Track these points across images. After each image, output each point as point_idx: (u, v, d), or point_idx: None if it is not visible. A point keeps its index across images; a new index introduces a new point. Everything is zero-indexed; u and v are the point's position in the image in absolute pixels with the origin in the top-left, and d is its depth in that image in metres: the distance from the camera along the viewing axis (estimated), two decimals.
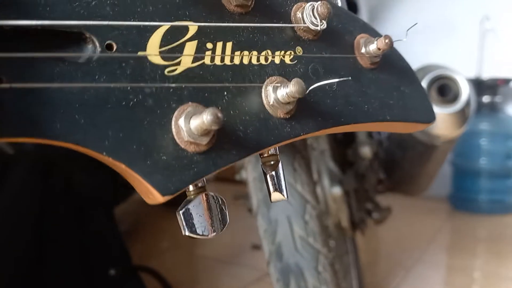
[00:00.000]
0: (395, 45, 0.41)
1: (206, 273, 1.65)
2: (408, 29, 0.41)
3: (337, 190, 1.26)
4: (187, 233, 0.33)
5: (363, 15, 1.63)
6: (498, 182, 2.30)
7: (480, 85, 2.29)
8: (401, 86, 0.42)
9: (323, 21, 0.37)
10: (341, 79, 0.37)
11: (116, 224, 1.44)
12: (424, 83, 1.06)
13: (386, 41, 0.39)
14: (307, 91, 0.34)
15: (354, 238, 1.39)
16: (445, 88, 1.09)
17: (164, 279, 1.45)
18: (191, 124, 0.30)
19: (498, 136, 2.30)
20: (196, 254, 1.81)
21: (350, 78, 0.38)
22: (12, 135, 0.26)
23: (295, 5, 0.38)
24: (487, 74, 2.36)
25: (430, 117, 0.44)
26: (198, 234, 0.33)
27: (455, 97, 1.08)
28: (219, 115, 0.29)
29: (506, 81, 2.31)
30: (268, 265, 1.12)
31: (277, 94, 0.35)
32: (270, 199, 0.38)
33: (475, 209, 2.30)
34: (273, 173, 0.38)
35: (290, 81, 0.35)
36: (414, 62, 0.46)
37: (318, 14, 0.36)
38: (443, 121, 1.09)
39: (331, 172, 1.28)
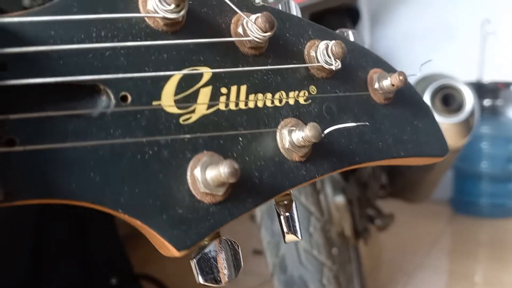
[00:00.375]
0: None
1: None
2: (422, 64, 0.41)
3: (340, 199, 1.26)
4: (201, 281, 0.32)
5: (365, 21, 1.62)
6: (499, 185, 2.30)
7: (481, 89, 2.29)
8: (415, 120, 0.42)
9: (337, 60, 0.36)
10: (359, 123, 0.36)
11: (117, 231, 1.43)
12: (428, 93, 1.06)
13: (400, 77, 0.38)
14: (323, 135, 0.33)
15: (356, 246, 1.38)
16: (449, 98, 1.09)
17: (166, 287, 1.44)
18: (207, 175, 0.30)
19: (499, 139, 2.30)
20: None
21: (368, 123, 0.37)
22: (26, 198, 0.25)
23: (308, 43, 0.38)
24: (488, 77, 2.35)
25: (443, 150, 0.43)
26: (213, 282, 0.32)
27: (459, 107, 1.08)
28: (236, 167, 0.28)
29: (507, 85, 2.31)
30: (272, 277, 1.11)
31: (292, 137, 0.34)
32: (284, 240, 0.37)
33: (477, 212, 2.30)
34: (287, 214, 0.37)
35: (305, 123, 0.35)
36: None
37: (332, 53, 0.36)
38: (447, 131, 1.08)
39: (334, 180, 1.28)
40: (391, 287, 1.62)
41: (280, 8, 0.39)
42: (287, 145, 0.34)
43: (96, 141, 0.27)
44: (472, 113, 1.08)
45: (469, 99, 1.07)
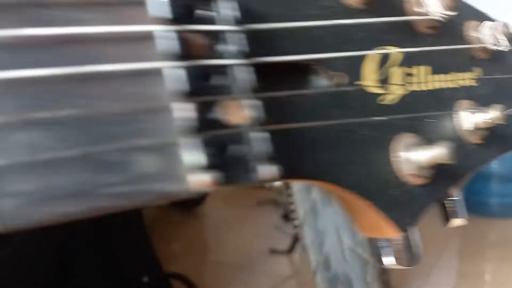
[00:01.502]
0: None
1: (219, 279, 1.61)
2: None
3: None
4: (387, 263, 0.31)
5: None
6: (509, 185, 2.31)
7: None
8: None
9: (508, 41, 0.35)
10: None
11: (146, 229, 1.40)
12: None
13: None
14: (505, 115, 0.33)
15: None
16: None
17: (194, 286, 1.42)
18: (415, 157, 0.29)
19: None
20: (210, 259, 1.76)
21: None
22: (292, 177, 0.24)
23: (466, 23, 0.37)
24: None
25: None
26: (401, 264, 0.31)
27: None
28: (448, 149, 0.28)
29: None
30: (314, 275, 1.11)
31: (473, 120, 0.33)
32: (447, 225, 0.37)
33: (486, 212, 2.30)
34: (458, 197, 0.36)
35: (479, 105, 0.34)
36: None
37: (504, 34, 0.35)
38: None
39: None
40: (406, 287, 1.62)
41: None
42: (468, 127, 0.33)
43: (323, 121, 0.26)
44: None
45: None
